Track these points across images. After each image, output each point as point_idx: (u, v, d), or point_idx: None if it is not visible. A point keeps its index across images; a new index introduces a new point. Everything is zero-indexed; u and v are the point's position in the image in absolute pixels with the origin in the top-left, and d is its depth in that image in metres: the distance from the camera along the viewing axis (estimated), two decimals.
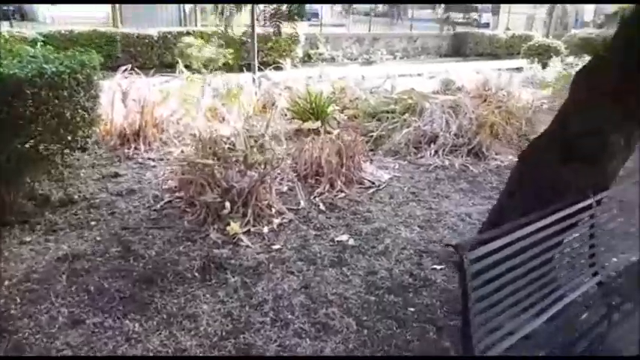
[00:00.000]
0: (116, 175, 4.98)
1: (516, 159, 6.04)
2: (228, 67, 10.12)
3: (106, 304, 2.93)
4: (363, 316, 2.94)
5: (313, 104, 6.99)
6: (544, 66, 13.25)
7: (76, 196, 4.35)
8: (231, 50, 9.85)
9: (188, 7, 14.47)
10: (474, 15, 29.48)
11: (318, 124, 6.14)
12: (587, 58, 13.64)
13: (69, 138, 4.11)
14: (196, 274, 3.30)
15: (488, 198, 4.86)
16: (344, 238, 3.89)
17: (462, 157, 5.99)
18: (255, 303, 3.03)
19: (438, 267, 3.50)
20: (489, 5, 25.80)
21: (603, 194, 2.65)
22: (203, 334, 2.72)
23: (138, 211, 4.21)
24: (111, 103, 5.83)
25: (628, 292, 2.64)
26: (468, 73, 11.78)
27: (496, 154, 6.15)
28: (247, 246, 3.69)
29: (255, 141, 5.33)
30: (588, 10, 27.05)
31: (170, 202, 4.39)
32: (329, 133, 5.70)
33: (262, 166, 4.43)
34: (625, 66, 2.59)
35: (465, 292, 1.89)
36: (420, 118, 6.68)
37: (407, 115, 6.56)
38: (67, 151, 4.26)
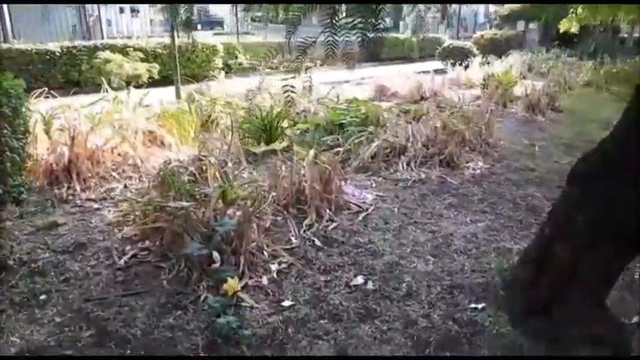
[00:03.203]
0: (55, 225, 4.01)
1: (486, 165, 5.99)
2: (151, 82, 9.15)
3: None
4: None
5: (265, 120, 6.36)
6: (466, 67, 13.59)
7: (10, 261, 3.38)
8: (154, 64, 8.89)
9: (92, 19, 13.05)
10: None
11: (285, 144, 5.53)
12: (493, 57, 14.11)
13: None
14: (203, 354, 2.60)
15: (481, 212, 4.57)
16: (359, 280, 3.34)
17: (435, 168, 5.68)
18: None
19: (479, 306, 3.07)
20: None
21: None
22: None
23: (98, 272, 3.35)
24: (32, 135, 4.81)
25: None
26: (397, 77, 11.71)
27: (466, 162, 5.91)
28: (252, 307, 3.02)
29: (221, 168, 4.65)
30: (480, 12, 28.75)
31: (135, 255, 3.56)
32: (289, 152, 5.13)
33: (246, 202, 3.77)
34: None
35: None
36: (381, 130, 6.33)
37: (371, 127, 6.15)
38: None
